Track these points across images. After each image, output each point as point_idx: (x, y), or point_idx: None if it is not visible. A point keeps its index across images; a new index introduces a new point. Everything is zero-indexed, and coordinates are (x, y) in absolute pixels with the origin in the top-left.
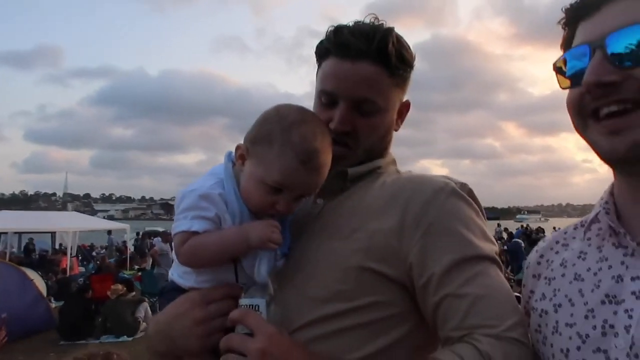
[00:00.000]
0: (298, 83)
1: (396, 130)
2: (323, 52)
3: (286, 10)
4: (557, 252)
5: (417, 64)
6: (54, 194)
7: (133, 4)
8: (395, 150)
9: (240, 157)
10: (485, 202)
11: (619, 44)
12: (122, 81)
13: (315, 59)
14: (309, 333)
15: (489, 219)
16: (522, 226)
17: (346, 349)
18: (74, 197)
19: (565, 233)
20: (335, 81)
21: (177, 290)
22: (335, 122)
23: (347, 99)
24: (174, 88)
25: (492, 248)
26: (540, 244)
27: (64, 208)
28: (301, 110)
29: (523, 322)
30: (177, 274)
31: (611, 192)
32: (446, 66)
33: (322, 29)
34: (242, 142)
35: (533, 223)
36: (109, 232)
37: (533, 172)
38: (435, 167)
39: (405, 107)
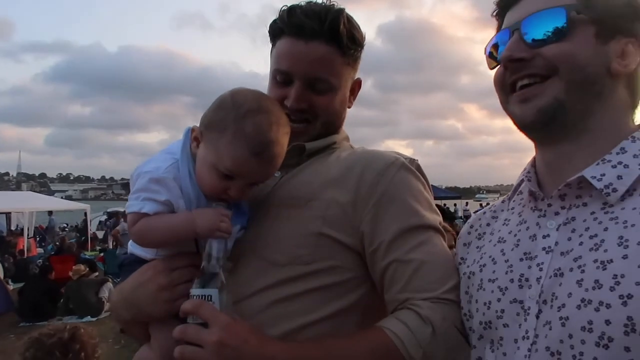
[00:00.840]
0: (263, 62)
1: (349, 107)
2: (277, 31)
3: None
4: (488, 224)
5: (382, 45)
6: (7, 174)
7: None
8: (361, 131)
9: (194, 139)
10: (447, 182)
11: (531, 27)
12: (78, 57)
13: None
14: (267, 297)
15: (451, 198)
16: (480, 205)
17: (302, 311)
18: (28, 177)
19: (495, 206)
20: (290, 60)
21: (138, 262)
22: (291, 100)
23: (301, 77)
24: (135, 65)
25: (437, 218)
26: (472, 216)
27: (18, 188)
28: (257, 97)
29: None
30: (138, 245)
31: (532, 163)
32: (410, 48)
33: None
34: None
35: (492, 202)
36: (50, 212)
37: (494, 153)
38: (400, 148)
39: (357, 85)
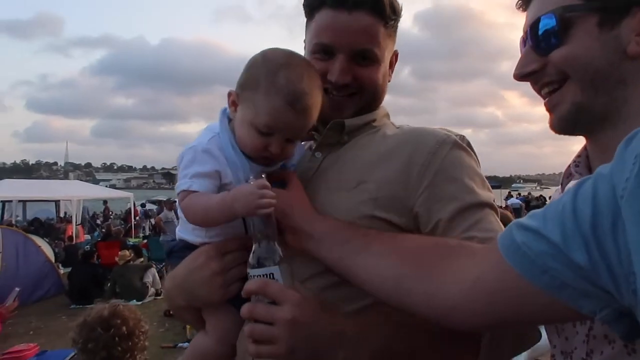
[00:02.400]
0: (300, 51)
1: (389, 82)
2: (316, 3)
3: None
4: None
5: (419, 32)
6: (55, 163)
7: None
8: (397, 119)
9: (232, 103)
10: (486, 171)
11: (534, 36)
12: (122, 50)
13: (304, 12)
14: (317, 283)
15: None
16: (518, 194)
17: (350, 298)
18: (75, 167)
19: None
20: (333, 33)
21: (188, 248)
22: (336, 74)
23: (345, 50)
24: (175, 57)
25: (490, 195)
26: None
27: (65, 177)
28: (288, 53)
29: None
30: (187, 231)
31: (585, 147)
32: (448, 35)
33: None
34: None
35: (532, 192)
36: (105, 202)
37: (535, 141)
38: None
39: (395, 57)
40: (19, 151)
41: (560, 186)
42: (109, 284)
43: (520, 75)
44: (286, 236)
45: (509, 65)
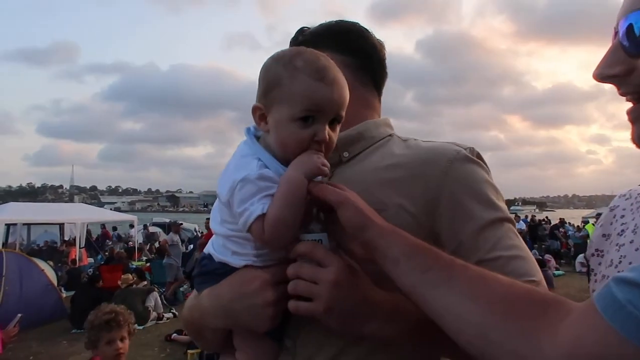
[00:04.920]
0: None
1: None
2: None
3: (296, 7)
4: (633, 219)
5: (421, 59)
6: (61, 187)
7: (149, 6)
8: None
9: (260, 117)
10: None
11: (633, 30)
12: (133, 76)
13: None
14: None
15: None
16: (525, 216)
17: None
18: (80, 190)
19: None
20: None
21: (221, 273)
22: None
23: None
24: (185, 82)
25: (505, 207)
26: (615, 200)
27: (70, 200)
28: (294, 47)
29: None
30: (226, 253)
31: None
32: (450, 61)
33: None
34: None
35: (528, 214)
36: (103, 225)
37: (538, 164)
38: None
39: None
40: (26, 174)
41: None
42: None
43: (600, 77)
44: (353, 246)
45: (511, 90)
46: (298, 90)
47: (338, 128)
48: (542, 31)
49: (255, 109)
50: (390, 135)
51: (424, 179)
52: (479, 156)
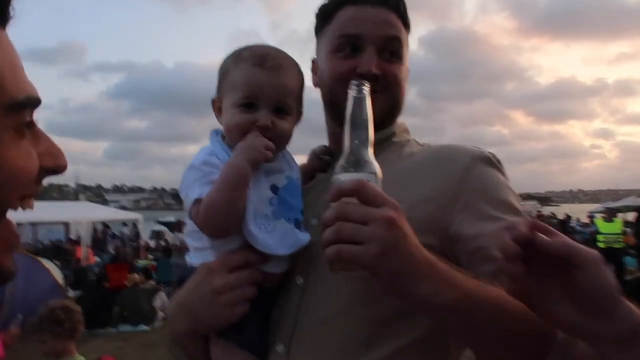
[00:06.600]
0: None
1: (405, 95)
2: (335, 5)
3: (300, 4)
4: None
5: (424, 55)
6: (66, 185)
7: (156, 5)
8: None
9: (217, 109)
10: None
11: None
12: (139, 74)
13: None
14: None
15: None
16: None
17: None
18: (85, 188)
19: None
20: (361, 22)
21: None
22: (367, 64)
23: (374, 41)
24: (190, 80)
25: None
26: None
27: (76, 199)
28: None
29: None
30: (192, 254)
31: None
32: (453, 57)
33: None
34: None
35: (536, 210)
36: (106, 225)
37: (542, 159)
38: None
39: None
40: None
41: None
42: (117, 308)
43: None
44: (378, 283)
45: (515, 85)
46: (238, 77)
47: (289, 118)
48: (546, 27)
49: (213, 102)
50: (407, 140)
51: (443, 173)
52: (500, 162)
